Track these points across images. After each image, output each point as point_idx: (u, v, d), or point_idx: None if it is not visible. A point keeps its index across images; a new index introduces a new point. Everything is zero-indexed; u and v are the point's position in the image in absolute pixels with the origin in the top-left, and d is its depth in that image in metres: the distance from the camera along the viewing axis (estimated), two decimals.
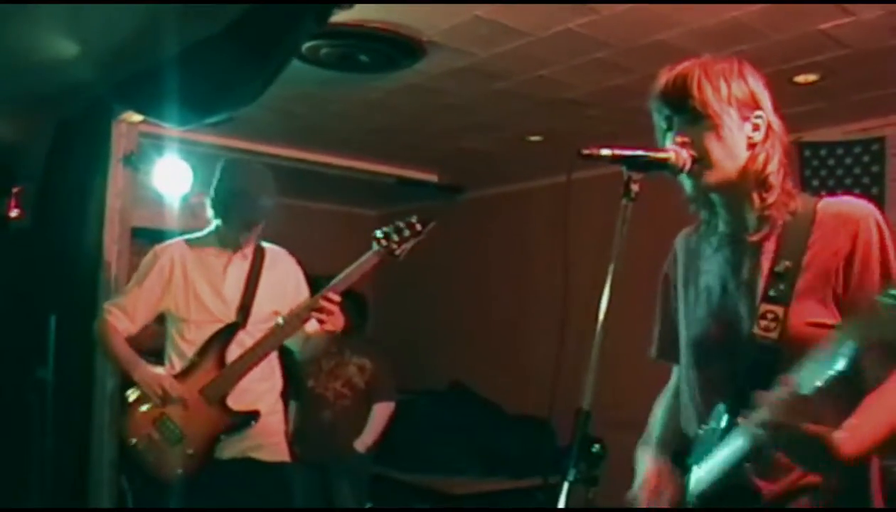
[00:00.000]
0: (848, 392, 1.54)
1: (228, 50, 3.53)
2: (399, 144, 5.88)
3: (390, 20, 3.59)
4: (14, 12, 3.58)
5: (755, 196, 1.77)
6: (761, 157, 1.76)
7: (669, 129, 1.79)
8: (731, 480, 1.70)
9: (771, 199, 1.77)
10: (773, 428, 1.54)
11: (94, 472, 4.47)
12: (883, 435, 1.57)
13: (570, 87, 4.42)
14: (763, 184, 1.76)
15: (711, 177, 1.75)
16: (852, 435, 1.53)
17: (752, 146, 1.76)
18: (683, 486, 1.85)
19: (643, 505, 1.91)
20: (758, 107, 1.77)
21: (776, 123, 1.79)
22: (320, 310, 3.20)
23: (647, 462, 1.99)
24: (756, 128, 1.77)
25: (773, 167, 1.77)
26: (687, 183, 1.79)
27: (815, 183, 4.91)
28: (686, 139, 1.74)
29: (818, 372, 1.46)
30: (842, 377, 1.44)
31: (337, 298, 3.20)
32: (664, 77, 1.81)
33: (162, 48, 3.77)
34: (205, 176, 3.56)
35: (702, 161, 1.74)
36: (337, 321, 3.24)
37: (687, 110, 1.75)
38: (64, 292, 4.63)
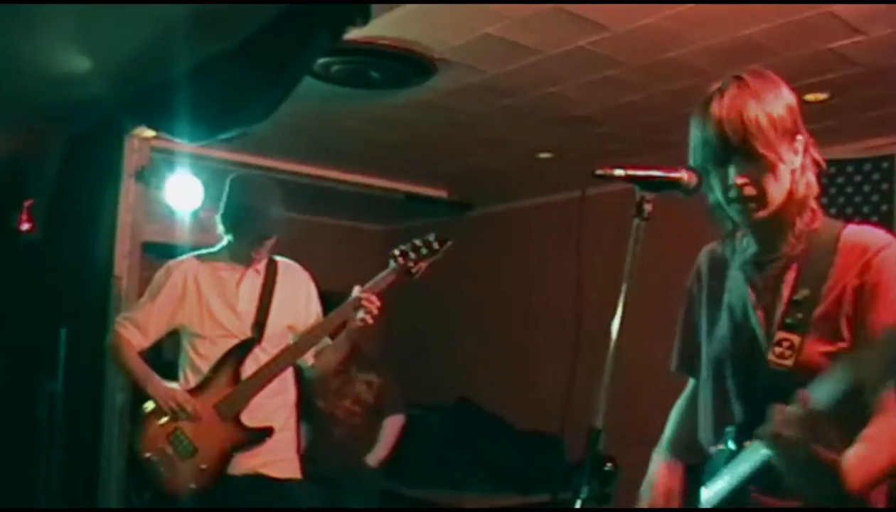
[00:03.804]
0: (848, 411, 1.55)
1: (241, 67, 3.55)
2: (409, 160, 5.90)
3: (402, 37, 3.60)
4: (26, 27, 3.61)
5: (796, 219, 1.78)
6: (802, 183, 1.77)
7: (720, 165, 1.75)
8: (735, 500, 1.70)
9: (805, 220, 1.78)
10: (785, 441, 1.53)
11: (103, 484, 4.47)
12: (883, 472, 1.59)
13: (581, 105, 4.43)
14: (803, 207, 1.78)
15: (764, 213, 1.75)
16: (858, 466, 1.55)
17: (793, 172, 1.76)
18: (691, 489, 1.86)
19: (649, 503, 1.92)
20: (799, 131, 1.77)
21: (810, 141, 1.80)
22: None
23: (656, 462, 1.99)
24: (796, 152, 1.76)
25: (812, 192, 1.78)
26: (738, 218, 1.79)
27: (825, 201, 4.87)
28: (747, 181, 1.72)
29: (832, 389, 1.47)
30: (849, 395, 1.46)
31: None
32: (716, 110, 1.73)
33: (174, 64, 3.79)
34: (216, 191, 3.57)
35: (759, 199, 1.73)
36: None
37: (747, 152, 1.71)
38: (74, 306, 4.65)
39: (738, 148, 1.72)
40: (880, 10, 3.17)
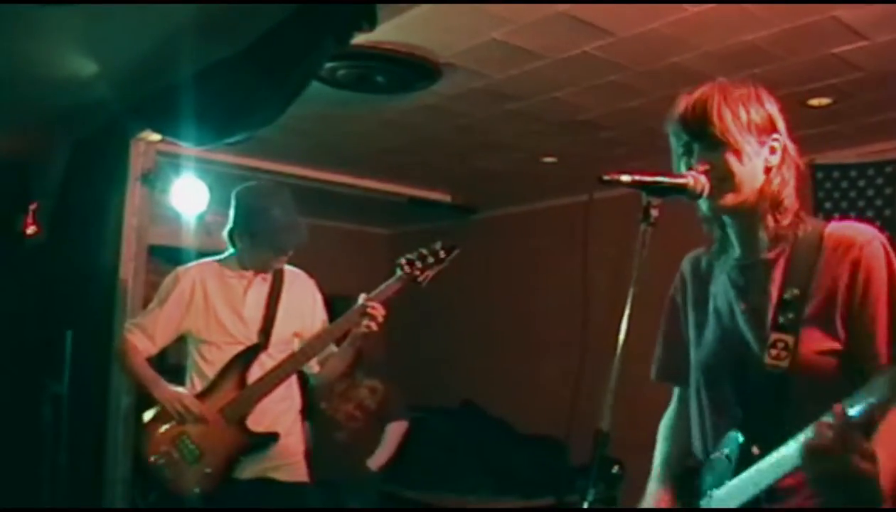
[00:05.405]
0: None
1: (247, 71, 3.56)
2: (413, 164, 5.91)
3: (407, 42, 3.62)
4: (32, 30, 3.62)
5: (769, 218, 1.78)
6: (777, 181, 1.77)
7: (686, 154, 1.80)
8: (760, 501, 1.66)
9: (785, 221, 1.78)
10: (826, 454, 1.46)
11: (108, 488, 4.48)
12: None
13: (585, 109, 4.45)
14: (778, 206, 1.77)
15: (730, 199, 1.76)
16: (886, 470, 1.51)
17: (768, 170, 1.77)
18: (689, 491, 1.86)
19: None
20: (775, 130, 1.79)
21: (791, 147, 1.81)
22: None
23: (651, 491, 1.99)
24: (773, 151, 1.78)
25: (788, 191, 1.78)
26: (704, 204, 1.79)
27: (828, 205, 4.92)
28: (707, 166, 1.74)
29: (868, 403, 1.43)
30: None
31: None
32: (683, 103, 1.80)
33: (180, 68, 3.80)
34: (221, 195, 3.58)
35: (723, 184, 1.74)
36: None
37: (707, 137, 1.75)
38: (80, 309, 4.66)
39: (697, 133, 1.76)
40: (884, 15, 3.18)
